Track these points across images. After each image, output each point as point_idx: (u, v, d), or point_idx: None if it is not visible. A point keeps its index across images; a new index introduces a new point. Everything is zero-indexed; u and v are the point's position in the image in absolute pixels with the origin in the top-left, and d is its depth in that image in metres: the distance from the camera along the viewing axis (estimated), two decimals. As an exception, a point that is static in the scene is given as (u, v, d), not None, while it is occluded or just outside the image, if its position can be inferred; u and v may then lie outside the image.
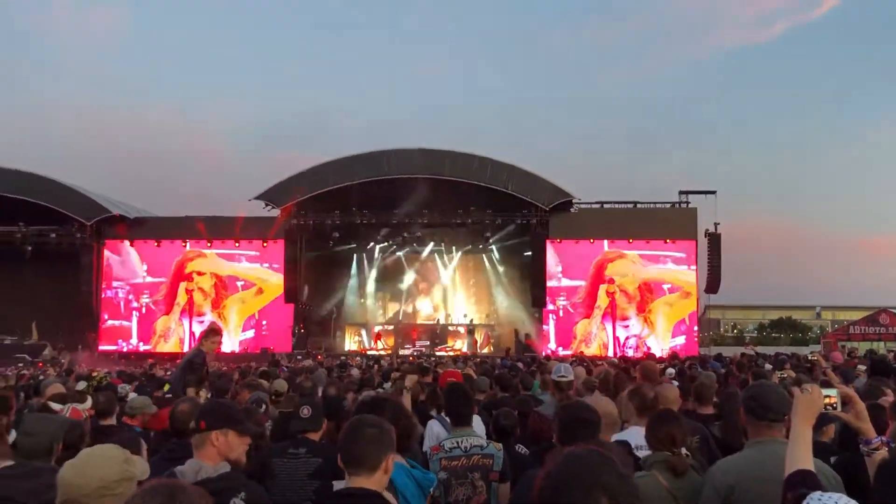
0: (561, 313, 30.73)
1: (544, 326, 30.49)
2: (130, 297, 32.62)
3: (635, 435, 4.34)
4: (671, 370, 9.96)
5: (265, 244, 32.21)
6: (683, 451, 3.70)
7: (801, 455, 2.56)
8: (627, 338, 30.36)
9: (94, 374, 13.66)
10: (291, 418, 4.78)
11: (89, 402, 6.40)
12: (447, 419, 5.37)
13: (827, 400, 2.81)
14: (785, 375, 8.56)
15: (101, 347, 31.54)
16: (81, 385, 10.58)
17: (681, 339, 30.28)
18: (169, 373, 13.06)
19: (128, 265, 32.70)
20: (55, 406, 6.32)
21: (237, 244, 32.41)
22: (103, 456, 2.49)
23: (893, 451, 2.92)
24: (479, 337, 32.11)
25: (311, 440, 4.55)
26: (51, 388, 7.03)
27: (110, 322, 32.58)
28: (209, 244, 32.50)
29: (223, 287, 32.39)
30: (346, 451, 2.87)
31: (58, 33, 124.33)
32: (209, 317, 31.21)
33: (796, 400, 2.70)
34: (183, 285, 32.39)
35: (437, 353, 27.80)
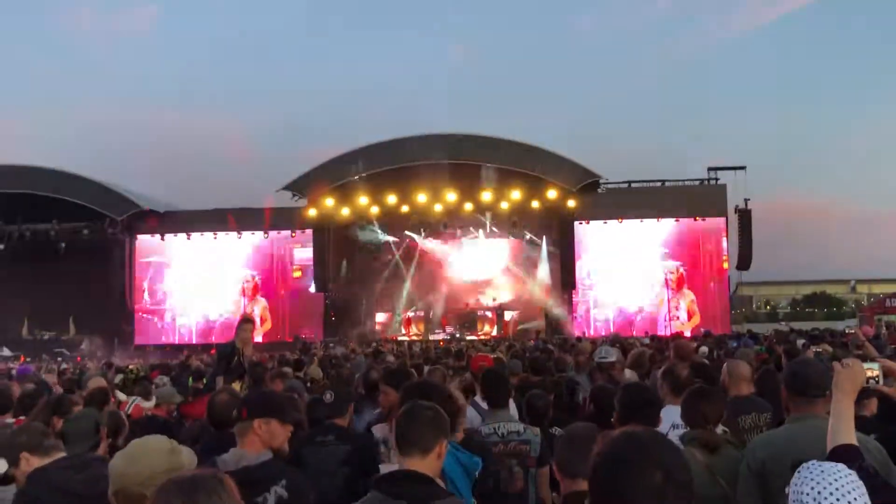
0: (593, 296, 30.73)
1: (575, 312, 30.48)
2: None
3: (671, 413, 4.33)
4: (704, 349, 9.89)
5: (294, 234, 32.47)
6: (721, 428, 3.72)
7: (843, 429, 2.54)
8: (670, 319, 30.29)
9: (132, 367, 13.92)
10: (316, 404, 4.80)
11: (154, 401, 6.56)
12: (480, 404, 5.41)
13: (869, 373, 2.79)
14: (821, 350, 8.46)
15: (139, 340, 32.13)
16: (118, 378, 10.81)
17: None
18: (205, 364, 13.24)
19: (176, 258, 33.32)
20: (121, 397, 6.49)
21: (266, 235, 32.71)
22: (152, 447, 2.56)
23: None
24: (509, 320, 32.06)
25: (338, 426, 4.47)
26: (92, 382, 7.17)
27: (147, 316, 33.13)
28: (239, 236, 32.82)
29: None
30: (403, 432, 2.88)
31: (87, 32, 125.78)
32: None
33: (837, 374, 2.69)
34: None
35: (468, 338, 27.83)
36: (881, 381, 2.86)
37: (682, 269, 30.51)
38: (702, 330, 26.16)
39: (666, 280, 30.46)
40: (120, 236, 32.33)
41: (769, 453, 3.23)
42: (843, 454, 2.44)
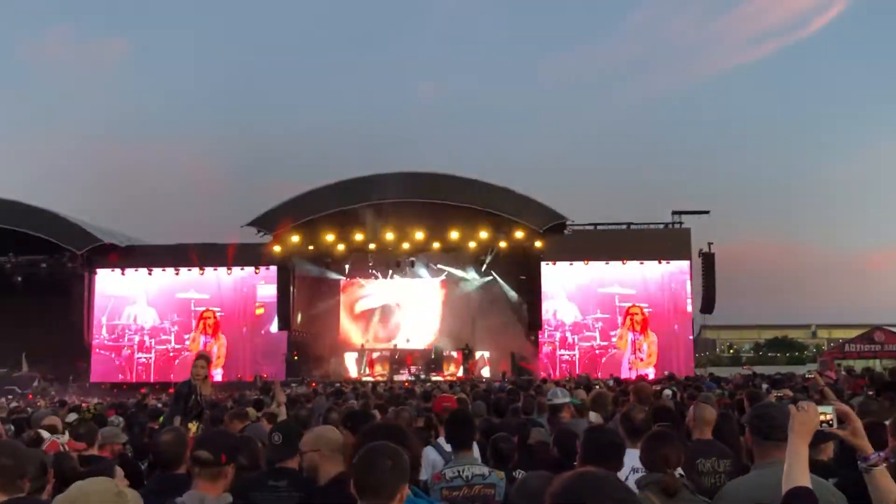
0: (559, 336, 30.81)
1: (541, 353, 30.51)
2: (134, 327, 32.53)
3: (629, 457, 4.29)
4: (668, 392, 9.89)
5: (257, 271, 32.14)
6: (678, 471, 3.69)
7: (797, 472, 2.61)
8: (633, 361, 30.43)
9: (86, 405, 13.50)
10: (267, 447, 4.62)
11: (67, 435, 6.32)
12: (443, 446, 5.30)
13: (823, 417, 2.81)
14: (782, 395, 8.52)
15: (95, 378, 31.34)
16: (72, 417, 10.45)
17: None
18: (162, 404, 12.90)
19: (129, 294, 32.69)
20: (44, 435, 6.23)
21: (229, 271, 32.34)
22: (95, 490, 2.43)
23: (893, 466, 2.89)
24: (473, 361, 31.88)
25: (291, 470, 4.20)
26: (46, 420, 6.92)
27: (104, 352, 32.39)
28: (201, 272, 32.40)
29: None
30: (363, 479, 2.76)
31: (53, 62, 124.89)
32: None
33: (792, 417, 2.74)
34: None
35: (434, 379, 27.60)
36: (835, 425, 2.87)
37: (646, 311, 30.74)
38: (665, 373, 26.30)
39: (631, 321, 30.66)
40: (79, 270, 31.70)
41: (739, 501, 3.18)
42: (796, 497, 2.53)
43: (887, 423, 4.02)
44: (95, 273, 32.51)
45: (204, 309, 32.49)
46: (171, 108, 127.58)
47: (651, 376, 26.29)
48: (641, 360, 30.30)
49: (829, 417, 2.85)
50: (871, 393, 10.23)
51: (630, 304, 30.74)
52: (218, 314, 32.46)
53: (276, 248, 30.68)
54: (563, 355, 30.85)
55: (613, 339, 30.77)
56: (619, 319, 30.75)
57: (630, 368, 29.89)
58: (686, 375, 25.19)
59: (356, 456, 2.87)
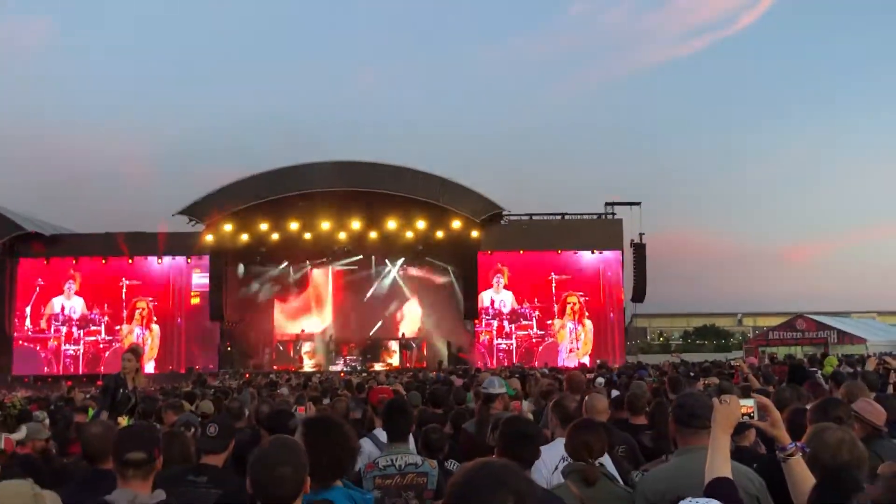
0: (497, 325, 31.09)
1: (478, 342, 30.76)
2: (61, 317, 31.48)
3: (560, 446, 4.39)
4: (601, 380, 10.10)
5: (189, 260, 31.47)
6: (599, 461, 3.78)
7: (719, 463, 2.72)
8: (571, 350, 30.91)
9: (10, 401, 12.99)
10: (198, 437, 4.56)
11: (24, 431, 6.14)
12: (379, 437, 5.31)
13: (744, 409, 2.93)
14: (709, 383, 8.81)
15: (16, 371, 30.25)
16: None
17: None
18: (89, 397, 12.54)
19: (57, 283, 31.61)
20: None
21: (160, 261, 31.58)
22: (9, 494, 2.36)
23: (810, 453, 3.02)
24: (410, 351, 31.95)
25: (213, 467, 4.11)
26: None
27: (28, 344, 31.28)
28: (130, 261, 31.55)
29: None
30: (260, 487, 2.64)
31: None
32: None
33: (715, 410, 2.87)
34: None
35: (371, 370, 27.55)
36: (756, 416, 2.99)
37: (582, 300, 31.26)
38: (597, 361, 26.85)
39: (571, 310, 31.13)
40: (1, 259, 30.50)
41: (667, 486, 3.28)
42: (717, 487, 2.62)
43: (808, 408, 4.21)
44: (18, 262, 31.32)
45: (137, 299, 31.67)
46: (96, 91, 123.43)
47: (588, 364, 26.79)
48: (578, 348, 30.82)
49: (750, 409, 2.97)
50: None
51: (567, 293, 31.21)
52: (151, 304, 31.68)
53: (208, 238, 30.09)
54: (499, 344, 31.17)
55: (551, 329, 31.20)
56: (556, 308, 31.19)
57: (567, 356, 30.37)
58: (620, 364, 25.79)
59: (252, 456, 2.71)
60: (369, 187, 29.60)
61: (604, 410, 5.18)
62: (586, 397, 5.42)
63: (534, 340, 31.28)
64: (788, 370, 10.69)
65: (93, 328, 31.55)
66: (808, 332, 33.91)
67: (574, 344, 30.95)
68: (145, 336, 31.00)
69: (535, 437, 3.82)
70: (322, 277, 34.18)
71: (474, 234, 30.26)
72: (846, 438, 3.14)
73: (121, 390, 7.88)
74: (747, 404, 2.97)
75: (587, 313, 31.17)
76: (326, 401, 9.03)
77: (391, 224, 29.90)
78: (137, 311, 31.64)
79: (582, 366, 25.34)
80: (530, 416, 7.34)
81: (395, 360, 31.01)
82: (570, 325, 31.11)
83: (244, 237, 30.27)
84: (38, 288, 31.60)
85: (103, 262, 31.53)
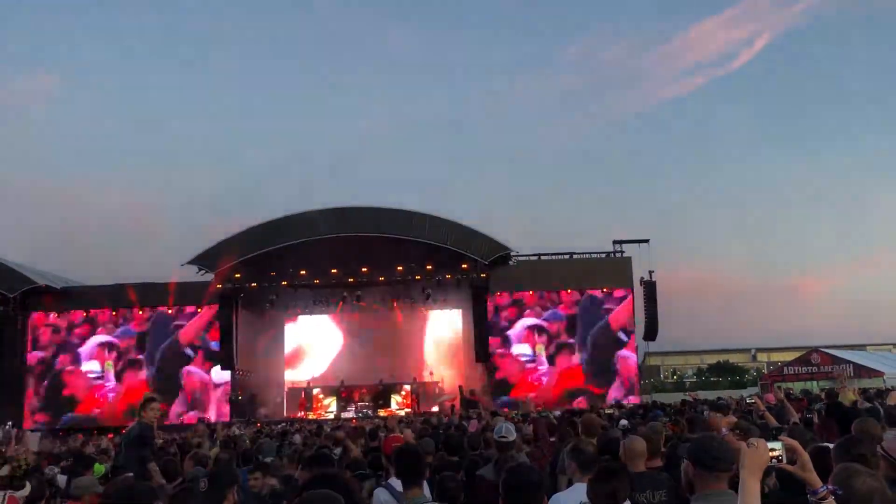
0: (511, 368, 30.77)
1: (494, 382, 30.45)
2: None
3: (580, 491, 4.31)
4: (625, 422, 9.91)
5: (199, 310, 31.48)
6: None
7: None
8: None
9: (23, 456, 12.86)
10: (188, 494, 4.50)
11: (28, 488, 6.05)
12: (395, 486, 5.23)
13: (772, 453, 2.87)
14: (730, 423, 8.63)
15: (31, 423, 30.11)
16: (4, 470, 9.97)
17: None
18: (98, 450, 12.42)
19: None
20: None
21: (170, 311, 31.62)
22: None
23: (840, 497, 2.94)
24: (422, 396, 31.70)
25: None
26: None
27: (39, 397, 31.18)
28: (141, 312, 31.61)
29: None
30: None
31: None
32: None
33: (743, 454, 2.78)
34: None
35: (382, 415, 27.31)
36: (784, 459, 2.93)
37: (593, 340, 30.96)
38: (613, 401, 26.53)
39: (579, 349, 30.84)
40: (12, 314, 30.61)
41: None
42: None
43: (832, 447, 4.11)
44: (29, 316, 31.43)
45: (145, 349, 31.61)
46: (102, 145, 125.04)
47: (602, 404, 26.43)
48: (597, 391, 30.39)
49: (778, 453, 2.91)
50: (809, 416, 10.47)
51: (575, 334, 30.95)
52: (157, 355, 31.55)
53: (219, 286, 30.15)
54: (514, 387, 30.78)
55: (563, 368, 30.83)
56: (575, 347, 30.84)
57: (586, 397, 29.91)
58: (634, 403, 25.50)
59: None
60: (376, 232, 29.66)
61: (643, 454, 5.05)
62: (625, 440, 5.29)
63: (551, 381, 30.81)
64: (827, 408, 10.40)
65: (105, 383, 31.42)
66: (823, 366, 33.48)
67: (589, 385, 30.55)
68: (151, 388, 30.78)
69: (538, 485, 3.76)
70: (331, 323, 34.16)
71: (483, 275, 30.23)
72: (877, 488, 3.06)
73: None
74: (775, 447, 2.92)
75: (598, 353, 30.85)
76: (338, 450, 8.91)
77: (399, 268, 29.93)
78: (141, 363, 31.53)
79: (600, 406, 25.00)
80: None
81: (407, 406, 30.71)
82: (581, 364, 30.78)
83: (254, 285, 30.32)
84: (51, 342, 31.63)
85: (114, 314, 31.61)
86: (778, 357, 56.52)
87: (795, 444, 3.04)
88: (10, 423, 28.17)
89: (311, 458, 5.81)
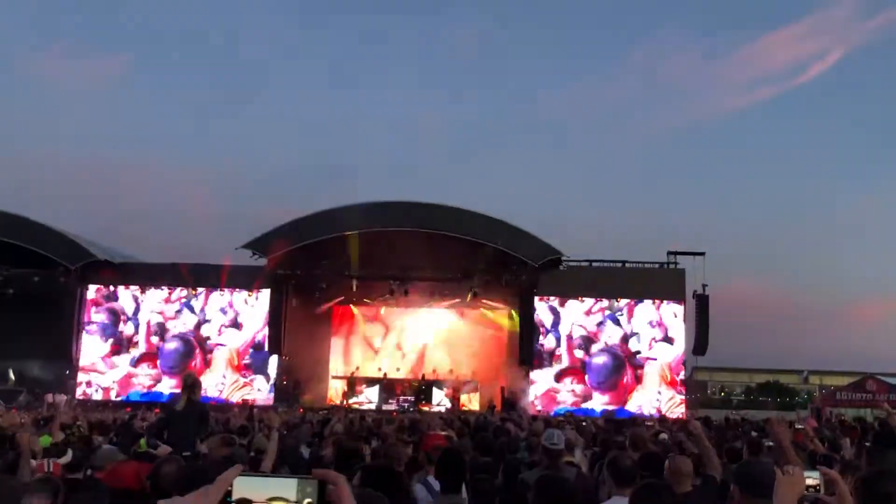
0: (556, 372, 30.54)
1: (539, 385, 30.26)
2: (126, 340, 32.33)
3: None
4: (664, 435, 9.74)
5: (251, 293, 32.00)
6: None
7: None
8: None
9: (78, 423, 13.23)
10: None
11: (69, 454, 6.18)
12: (433, 484, 5.22)
13: (809, 482, 2.76)
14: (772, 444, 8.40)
15: (80, 393, 31.05)
16: (60, 437, 10.25)
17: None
18: (144, 423, 12.67)
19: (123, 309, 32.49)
20: (32, 462, 6.09)
21: (222, 293, 32.20)
22: None
23: None
24: (463, 394, 31.72)
25: None
26: (24, 439, 6.77)
27: (93, 369, 32.07)
28: (194, 292, 32.26)
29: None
30: None
31: (55, 76, 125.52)
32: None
33: (778, 482, 2.67)
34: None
35: (423, 409, 27.38)
36: (822, 490, 2.82)
37: (641, 350, 30.54)
38: (657, 414, 26.12)
39: (633, 359, 30.46)
40: (72, 286, 31.52)
41: None
42: None
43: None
44: (87, 289, 32.33)
45: (199, 331, 32.23)
46: (167, 125, 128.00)
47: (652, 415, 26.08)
48: (648, 401, 29.95)
49: (815, 483, 2.81)
50: (866, 443, 10.09)
51: (625, 343, 30.57)
52: (212, 335, 32.14)
53: (270, 272, 30.58)
54: (558, 392, 30.53)
55: (610, 378, 30.49)
56: (622, 357, 30.50)
57: (634, 409, 29.52)
58: (677, 418, 25.07)
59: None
60: (427, 228, 29.69)
61: (689, 474, 4.92)
62: (670, 459, 5.19)
63: (594, 390, 30.51)
64: (875, 437, 10.00)
65: (156, 357, 32.16)
66: (878, 394, 32.37)
67: (634, 396, 30.16)
68: (199, 369, 31.33)
69: (570, 497, 3.69)
70: (378, 316, 34.41)
71: (532, 278, 30.03)
72: None
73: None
74: (813, 476, 2.80)
75: (650, 364, 30.43)
76: (376, 443, 8.93)
77: (448, 265, 29.94)
78: (196, 341, 32.15)
79: (647, 418, 24.64)
80: (583, 466, 7.16)
81: (446, 403, 30.76)
82: (629, 376, 30.37)
83: (304, 273, 30.68)
84: (106, 314, 32.50)
85: (168, 291, 32.34)
86: (831, 381, 55.02)
87: (834, 474, 2.94)
88: (54, 393, 29.12)
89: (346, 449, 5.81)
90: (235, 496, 1.20)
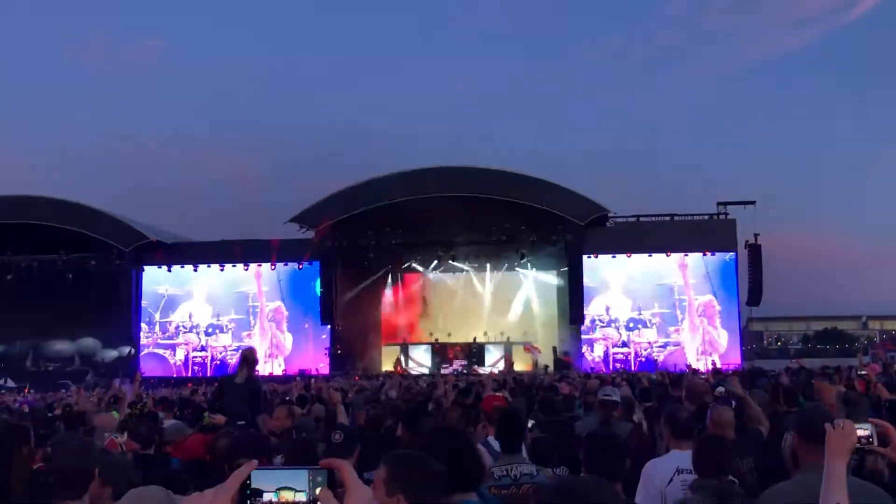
0: (613, 332, 30.43)
1: (594, 346, 30.25)
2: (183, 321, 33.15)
3: (675, 458, 4.30)
4: (721, 388, 9.61)
5: (301, 266, 32.43)
6: (730, 477, 3.70)
7: (834, 491, 2.50)
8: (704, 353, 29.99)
9: (144, 400, 13.64)
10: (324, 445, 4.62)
11: (125, 435, 6.38)
12: (492, 444, 5.27)
13: (861, 433, 2.70)
14: (836, 391, 8.23)
15: (144, 372, 31.97)
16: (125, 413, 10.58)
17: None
18: (206, 397, 13.02)
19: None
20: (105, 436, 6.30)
21: (273, 267, 32.70)
22: (147, 498, 2.46)
23: None
24: (516, 355, 31.83)
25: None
26: (101, 418, 7.01)
27: (155, 349, 33.01)
28: (246, 268, 32.81)
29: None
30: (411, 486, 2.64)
31: (97, 60, 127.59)
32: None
33: (828, 436, 2.62)
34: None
35: (478, 371, 27.58)
36: (875, 442, 2.75)
37: (704, 302, 30.26)
38: (711, 366, 25.88)
39: (696, 311, 30.19)
40: (127, 267, 32.32)
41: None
42: None
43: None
44: (143, 270, 33.12)
45: (253, 305, 32.88)
46: (209, 106, 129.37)
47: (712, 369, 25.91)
48: (710, 352, 29.73)
49: (866, 433, 2.74)
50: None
51: (686, 297, 30.26)
52: (269, 309, 32.78)
53: (318, 244, 30.92)
54: (616, 353, 30.48)
55: (673, 335, 30.30)
56: (678, 313, 30.26)
57: (698, 360, 29.25)
58: (734, 369, 24.75)
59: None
60: (471, 192, 29.58)
61: (730, 424, 4.98)
62: (713, 410, 5.19)
63: (655, 349, 30.38)
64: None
65: (220, 334, 32.98)
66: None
67: (706, 347, 29.90)
68: (269, 340, 32.02)
69: (619, 451, 3.71)
70: (427, 282, 34.60)
71: (579, 237, 29.79)
72: None
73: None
74: (864, 429, 2.74)
75: (710, 317, 30.14)
76: (431, 406, 9.02)
77: (494, 228, 29.87)
78: (256, 317, 32.84)
79: (694, 370, 24.45)
80: (642, 422, 7.13)
81: (499, 365, 30.92)
82: (694, 328, 30.11)
83: (353, 243, 30.94)
84: (165, 295, 33.32)
85: (220, 269, 32.94)
86: (891, 325, 53.65)
87: (887, 425, 2.86)
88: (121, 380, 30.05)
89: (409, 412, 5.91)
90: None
